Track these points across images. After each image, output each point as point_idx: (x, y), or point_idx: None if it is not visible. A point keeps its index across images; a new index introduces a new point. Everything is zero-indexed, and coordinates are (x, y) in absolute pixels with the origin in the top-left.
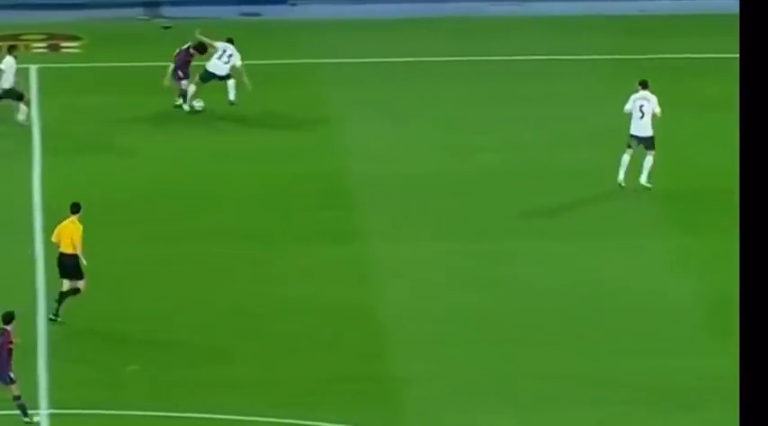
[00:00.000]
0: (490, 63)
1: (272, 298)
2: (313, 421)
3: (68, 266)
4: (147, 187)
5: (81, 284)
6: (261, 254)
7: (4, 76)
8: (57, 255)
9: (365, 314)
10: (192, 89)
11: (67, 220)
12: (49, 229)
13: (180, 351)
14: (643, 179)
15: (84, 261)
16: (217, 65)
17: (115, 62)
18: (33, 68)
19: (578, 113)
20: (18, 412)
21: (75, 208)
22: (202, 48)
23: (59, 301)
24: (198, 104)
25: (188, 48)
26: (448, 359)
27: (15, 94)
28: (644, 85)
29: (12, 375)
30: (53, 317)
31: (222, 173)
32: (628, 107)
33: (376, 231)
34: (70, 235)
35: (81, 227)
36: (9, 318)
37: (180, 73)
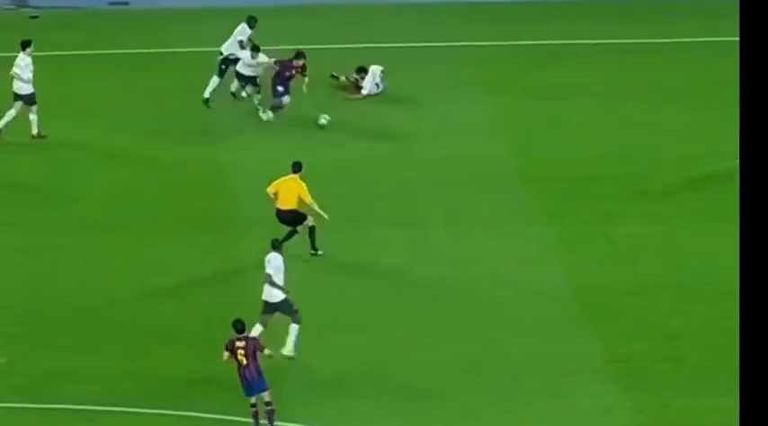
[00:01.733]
0: (364, 50)
1: (142, 289)
2: (186, 411)
3: (286, 220)
4: (15, 177)
5: (309, 221)
6: (131, 244)
7: None
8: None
9: (240, 304)
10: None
11: (288, 177)
12: None
13: (47, 343)
14: None
15: (324, 215)
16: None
17: None
18: None
19: (451, 101)
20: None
21: (298, 167)
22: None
23: (311, 238)
24: (267, 115)
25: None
26: (323, 347)
27: None
28: None
29: (266, 381)
30: (314, 253)
31: (91, 162)
32: None
33: (250, 220)
34: (292, 192)
35: (304, 184)
36: (242, 326)
37: (280, 86)
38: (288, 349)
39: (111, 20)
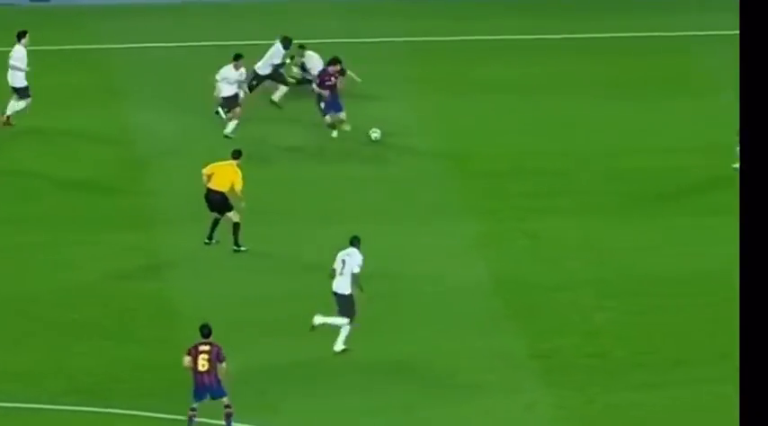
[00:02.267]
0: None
1: (62, 286)
2: (107, 408)
3: (215, 201)
4: None
5: (233, 215)
6: (47, 242)
7: None
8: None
9: (159, 301)
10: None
11: (226, 162)
12: None
13: None
14: None
15: (242, 204)
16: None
17: None
18: None
19: (382, 97)
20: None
21: (237, 154)
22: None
23: (234, 235)
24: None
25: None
26: (243, 345)
27: None
28: None
29: (224, 388)
30: (237, 249)
31: (8, 161)
32: None
33: (168, 218)
34: (227, 176)
35: (240, 172)
36: (208, 331)
37: (321, 103)
38: (338, 345)
39: (31, 16)
